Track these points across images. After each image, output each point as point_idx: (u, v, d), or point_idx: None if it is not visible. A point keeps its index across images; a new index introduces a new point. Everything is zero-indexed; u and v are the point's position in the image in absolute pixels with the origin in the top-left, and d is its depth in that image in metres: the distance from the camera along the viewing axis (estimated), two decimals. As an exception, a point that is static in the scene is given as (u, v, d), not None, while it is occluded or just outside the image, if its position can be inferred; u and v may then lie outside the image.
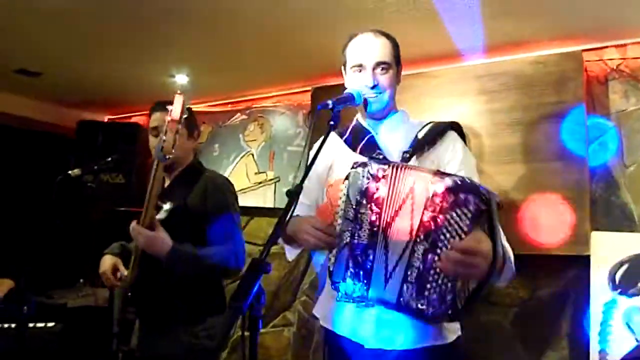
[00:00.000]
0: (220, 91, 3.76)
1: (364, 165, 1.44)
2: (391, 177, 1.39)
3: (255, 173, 3.73)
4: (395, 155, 1.60)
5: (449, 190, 1.26)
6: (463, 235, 1.23)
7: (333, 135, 1.75)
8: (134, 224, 1.92)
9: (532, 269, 2.58)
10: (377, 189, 1.40)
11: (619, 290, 2.33)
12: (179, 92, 1.81)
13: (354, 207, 1.42)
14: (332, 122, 1.45)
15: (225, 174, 3.81)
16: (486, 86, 2.77)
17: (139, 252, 1.99)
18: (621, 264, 2.34)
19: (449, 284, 1.24)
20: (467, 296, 1.27)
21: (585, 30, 2.46)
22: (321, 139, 1.43)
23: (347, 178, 1.46)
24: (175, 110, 1.79)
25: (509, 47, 2.67)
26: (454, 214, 1.24)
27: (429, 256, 1.27)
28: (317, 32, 2.60)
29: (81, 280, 3.90)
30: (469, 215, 1.22)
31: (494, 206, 1.23)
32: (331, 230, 1.44)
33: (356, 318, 1.52)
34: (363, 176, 1.43)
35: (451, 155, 1.59)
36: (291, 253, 1.73)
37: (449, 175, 1.30)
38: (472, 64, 2.86)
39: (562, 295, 2.60)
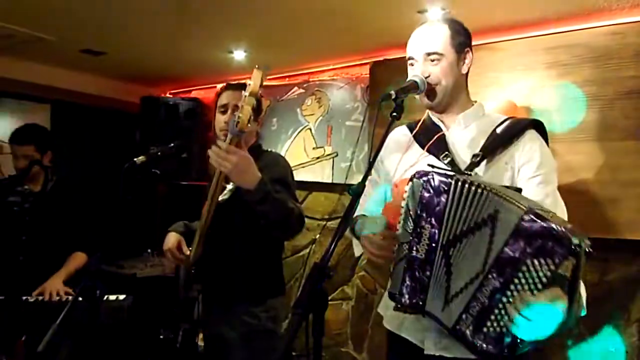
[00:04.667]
0: (278, 65, 3.74)
1: (425, 175, 1.37)
2: (454, 193, 1.31)
3: (313, 148, 3.72)
4: (465, 157, 1.52)
5: (536, 234, 1.14)
6: (540, 286, 1.13)
7: (404, 128, 1.73)
8: (222, 142, 1.74)
9: (602, 252, 2.47)
10: (438, 204, 1.33)
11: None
12: (257, 66, 1.74)
13: (413, 219, 1.37)
14: (394, 114, 1.42)
15: (284, 149, 3.85)
16: (557, 59, 2.60)
17: (204, 230, 2.00)
18: (702, 251, 2.20)
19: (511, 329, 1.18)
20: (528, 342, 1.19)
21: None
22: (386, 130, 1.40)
23: (410, 180, 1.40)
24: (254, 84, 1.72)
25: (583, 16, 2.48)
26: (536, 262, 1.14)
27: (497, 296, 1.19)
28: (375, 4, 2.50)
29: (148, 251, 4.08)
30: (552, 267, 1.12)
31: (582, 260, 1.12)
32: (389, 250, 1.42)
33: (418, 323, 1.50)
34: (424, 188, 1.36)
35: (527, 157, 1.48)
36: (359, 248, 1.70)
37: (540, 216, 1.16)
38: (541, 34, 2.68)
39: (633, 281, 2.48)
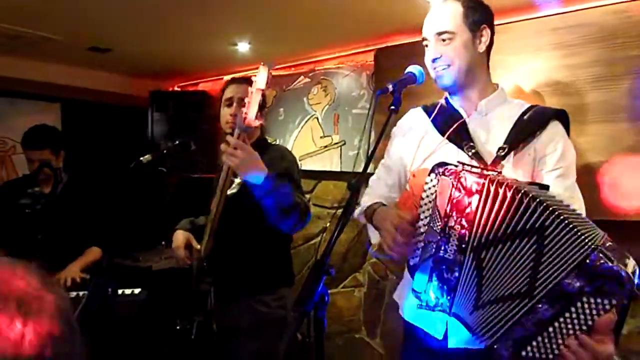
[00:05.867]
0: (282, 55, 3.73)
1: (456, 174, 1.32)
2: (487, 194, 1.26)
3: (321, 137, 3.72)
4: (489, 147, 1.48)
5: (600, 276, 1.10)
6: (590, 323, 1.12)
7: (419, 111, 1.68)
8: (230, 138, 1.79)
9: (610, 235, 2.43)
10: (469, 204, 1.28)
11: None
12: (262, 63, 1.77)
13: (441, 218, 1.32)
14: (392, 107, 1.41)
15: (292, 138, 3.86)
16: (563, 40, 2.56)
17: (214, 223, 2.04)
18: None
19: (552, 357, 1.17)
20: None
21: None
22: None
23: (432, 171, 1.37)
24: (260, 80, 1.75)
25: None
26: (592, 301, 1.11)
27: (544, 325, 1.17)
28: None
29: (162, 243, 4.13)
30: (607, 308, 1.10)
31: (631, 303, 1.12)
32: (404, 248, 1.40)
33: (440, 315, 1.45)
34: (454, 187, 1.31)
35: (549, 149, 1.46)
36: (376, 237, 1.65)
37: (608, 257, 1.11)
38: (546, 15, 2.63)
39: (644, 262, 2.46)
